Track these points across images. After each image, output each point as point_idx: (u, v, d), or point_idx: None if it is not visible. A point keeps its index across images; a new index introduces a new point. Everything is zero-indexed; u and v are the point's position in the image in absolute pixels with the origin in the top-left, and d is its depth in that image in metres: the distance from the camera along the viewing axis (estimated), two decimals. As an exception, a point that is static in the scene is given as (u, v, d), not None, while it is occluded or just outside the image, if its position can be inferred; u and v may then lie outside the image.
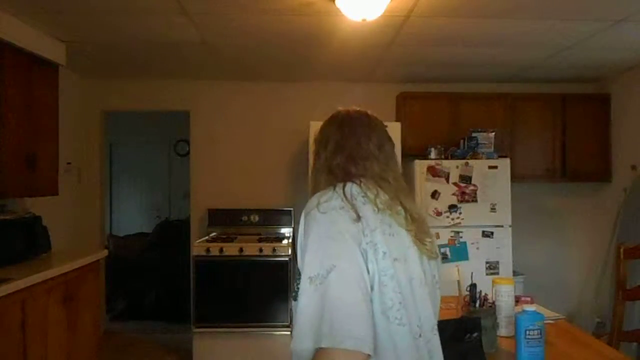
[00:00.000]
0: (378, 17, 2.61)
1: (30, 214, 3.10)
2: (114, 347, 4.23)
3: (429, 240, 1.13)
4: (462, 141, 4.05)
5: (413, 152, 4.05)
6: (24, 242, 2.97)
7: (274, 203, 4.48)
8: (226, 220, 4.37)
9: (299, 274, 1.02)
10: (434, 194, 3.83)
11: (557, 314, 2.15)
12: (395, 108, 4.54)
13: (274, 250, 3.75)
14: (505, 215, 3.86)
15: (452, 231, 3.81)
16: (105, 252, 3.62)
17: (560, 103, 4.35)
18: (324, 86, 4.55)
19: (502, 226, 3.86)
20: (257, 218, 4.38)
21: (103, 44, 3.45)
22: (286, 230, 4.36)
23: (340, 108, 1.28)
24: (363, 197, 1.08)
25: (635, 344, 2.85)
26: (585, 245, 4.67)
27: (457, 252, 3.79)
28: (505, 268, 3.83)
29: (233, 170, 4.55)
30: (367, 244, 1.01)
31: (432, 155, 3.94)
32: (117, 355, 4.10)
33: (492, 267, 3.82)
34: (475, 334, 1.58)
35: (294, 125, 4.43)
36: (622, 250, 2.38)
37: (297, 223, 4.35)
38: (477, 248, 3.82)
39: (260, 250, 3.75)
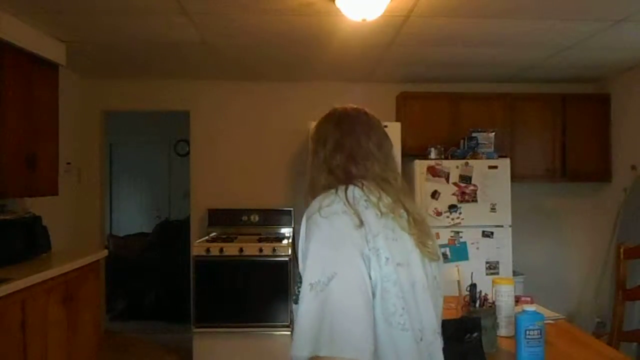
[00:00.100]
0: (378, 17, 2.61)
1: (30, 214, 3.10)
2: (114, 347, 4.23)
3: (430, 242, 1.12)
4: (462, 141, 4.05)
5: (413, 152, 4.05)
6: (24, 242, 2.97)
7: (274, 203, 4.48)
8: (226, 220, 4.37)
9: (300, 278, 1.01)
10: (434, 194, 3.84)
11: (557, 314, 2.15)
12: (395, 108, 4.54)
13: (274, 250, 3.75)
14: (505, 215, 3.86)
15: (452, 231, 3.82)
16: (105, 252, 3.62)
17: (560, 103, 4.35)
18: (324, 86, 4.55)
19: (502, 226, 3.86)
20: (257, 218, 4.38)
21: (103, 44, 3.45)
22: (286, 230, 4.36)
23: (337, 105, 1.27)
24: (365, 200, 1.06)
25: (635, 344, 2.85)
26: (585, 245, 4.67)
27: (457, 252, 3.79)
28: (505, 268, 3.83)
29: (233, 170, 4.55)
30: (369, 250, 1.00)
31: (432, 155, 3.94)
32: (117, 355, 4.10)
33: (492, 267, 3.82)
34: (475, 334, 1.58)
35: (294, 125, 4.43)
36: (622, 250, 2.38)
37: (297, 223, 4.37)
38: (477, 248, 3.82)
39: (260, 250, 3.75)
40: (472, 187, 3.84)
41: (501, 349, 1.75)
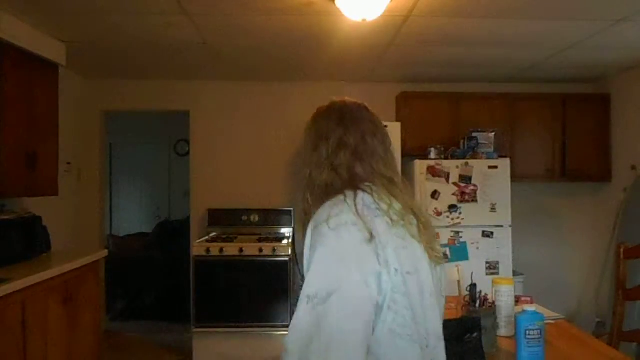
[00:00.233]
0: (378, 17, 2.61)
1: (30, 214, 3.10)
2: (114, 347, 4.23)
3: (438, 247, 1.10)
4: (462, 141, 4.05)
5: (413, 152, 4.05)
6: (23, 242, 2.96)
7: (274, 203, 4.48)
8: (226, 220, 4.37)
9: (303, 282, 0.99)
10: (434, 194, 3.84)
11: (557, 314, 2.15)
12: (395, 108, 4.54)
13: (274, 250, 3.75)
14: (505, 215, 3.86)
15: (452, 231, 3.82)
16: (105, 252, 3.62)
17: (560, 103, 4.35)
18: (324, 86, 4.54)
19: (502, 226, 3.86)
20: (257, 218, 4.38)
21: (103, 44, 3.45)
22: (286, 230, 4.36)
23: (335, 98, 1.21)
24: (377, 209, 1.01)
25: (635, 344, 2.85)
26: (585, 245, 4.67)
27: (457, 252, 3.79)
28: (505, 268, 3.83)
29: (233, 170, 4.55)
30: (380, 263, 0.95)
31: (432, 155, 3.94)
32: (117, 355, 4.10)
33: (492, 267, 3.82)
34: (475, 334, 1.58)
35: (294, 125, 4.42)
36: (622, 250, 2.38)
37: (297, 223, 4.36)
38: (477, 248, 3.82)
39: (260, 250, 3.75)
40: (472, 187, 3.85)
41: (501, 349, 1.75)
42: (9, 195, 2.95)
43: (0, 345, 2.30)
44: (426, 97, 4.35)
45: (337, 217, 0.98)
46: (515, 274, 3.93)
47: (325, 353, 0.88)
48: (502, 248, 3.84)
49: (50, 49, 3.18)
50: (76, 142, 4.26)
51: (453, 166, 3.86)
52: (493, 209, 3.85)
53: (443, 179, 3.85)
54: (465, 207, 3.83)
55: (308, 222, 1.07)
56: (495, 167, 3.88)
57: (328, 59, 3.80)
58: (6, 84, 2.79)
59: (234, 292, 3.70)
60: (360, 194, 1.03)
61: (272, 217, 4.41)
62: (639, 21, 2.93)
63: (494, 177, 3.86)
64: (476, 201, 3.84)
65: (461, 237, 3.82)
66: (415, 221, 1.06)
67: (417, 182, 3.82)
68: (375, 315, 0.95)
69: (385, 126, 1.24)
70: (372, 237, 0.96)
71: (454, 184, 3.85)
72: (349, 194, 1.03)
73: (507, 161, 3.92)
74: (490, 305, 1.83)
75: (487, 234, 3.84)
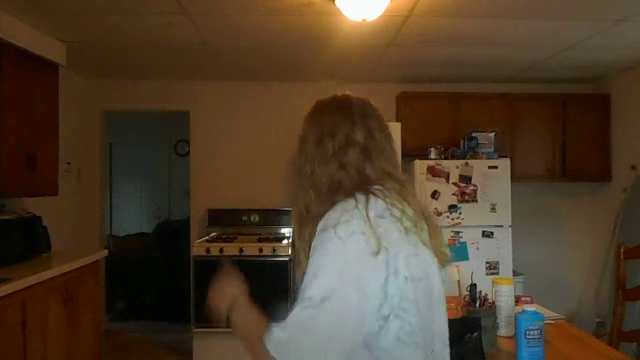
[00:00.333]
0: (378, 17, 2.61)
1: (30, 214, 3.10)
2: (114, 347, 4.23)
3: (446, 250, 1.09)
4: (462, 141, 4.05)
5: (413, 152, 4.05)
6: (23, 242, 2.96)
7: (274, 203, 4.48)
8: (226, 220, 4.37)
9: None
10: (434, 194, 3.83)
11: (557, 314, 2.15)
12: (395, 108, 4.54)
13: (274, 250, 3.75)
14: (505, 215, 3.86)
15: (452, 231, 3.81)
16: (105, 252, 3.62)
17: (560, 103, 4.35)
18: (324, 86, 4.53)
19: (502, 226, 3.86)
20: (257, 218, 4.38)
21: (103, 44, 3.45)
22: (286, 230, 4.36)
23: (338, 93, 1.17)
24: (390, 214, 0.98)
25: (635, 344, 2.85)
26: (585, 245, 4.67)
27: (457, 252, 3.78)
28: (505, 268, 3.83)
29: (233, 170, 4.55)
30: (389, 273, 0.94)
31: (432, 155, 3.94)
32: (117, 355, 4.10)
33: (492, 267, 3.82)
34: (475, 334, 1.58)
35: (294, 125, 4.38)
36: (622, 250, 2.38)
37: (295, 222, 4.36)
38: (477, 248, 3.82)
39: (260, 250, 3.75)
40: (472, 187, 3.84)
41: (501, 349, 1.75)
42: (9, 195, 2.95)
43: (0, 345, 2.30)
44: (426, 97, 4.35)
45: (347, 224, 0.95)
46: (515, 274, 3.92)
47: (306, 352, 0.91)
48: (502, 248, 3.84)
49: (50, 49, 3.18)
50: (76, 142, 4.26)
51: (453, 166, 3.86)
52: (493, 209, 3.85)
53: (443, 179, 3.85)
54: (465, 207, 3.83)
55: (310, 218, 1.06)
56: (495, 167, 3.88)
57: (328, 59, 3.80)
58: (6, 84, 2.79)
59: (234, 292, 3.70)
60: (372, 200, 0.99)
61: (272, 217, 4.41)
62: (639, 21, 2.93)
63: (494, 177, 3.86)
64: (476, 201, 3.84)
65: (461, 237, 3.82)
66: (426, 227, 1.05)
67: (417, 182, 3.82)
68: (380, 324, 0.94)
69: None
70: (379, 248, 0.93)
71: (454, 184, 3.85)
72: (361, 198, 0.99)
73: (507, 161, 3.91)
74: (490, 305, 1.83)
75: (487, 234, 3.84)
